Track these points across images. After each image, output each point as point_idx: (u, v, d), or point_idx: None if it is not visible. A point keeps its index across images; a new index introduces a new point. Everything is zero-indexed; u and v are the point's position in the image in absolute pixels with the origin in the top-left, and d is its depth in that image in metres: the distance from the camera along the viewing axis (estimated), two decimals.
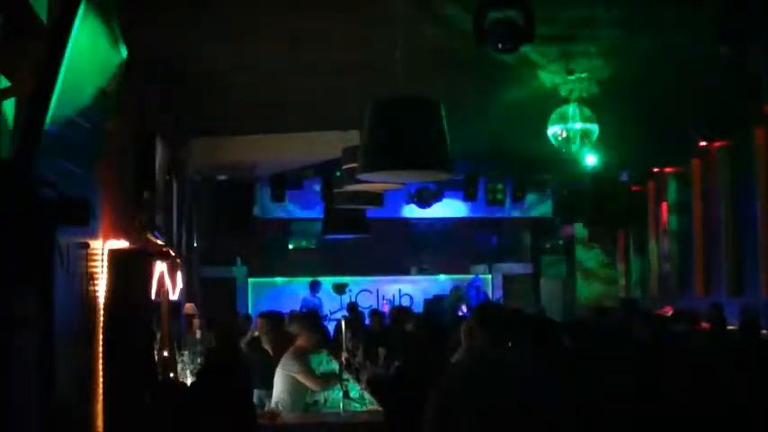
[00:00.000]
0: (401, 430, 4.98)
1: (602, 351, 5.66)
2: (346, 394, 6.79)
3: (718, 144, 11.97)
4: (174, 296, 7.44)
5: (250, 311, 14.85)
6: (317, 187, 14.23)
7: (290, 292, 16.26)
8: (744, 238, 11.38)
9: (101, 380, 4.63)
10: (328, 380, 7.01)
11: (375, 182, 7.17)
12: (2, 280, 2.95)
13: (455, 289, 16.64)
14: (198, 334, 9.09)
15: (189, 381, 7.00)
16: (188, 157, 10.27)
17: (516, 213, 16.68)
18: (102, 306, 4.64)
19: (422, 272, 17.71)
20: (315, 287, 15.97)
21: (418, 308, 15.60)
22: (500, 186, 15.28)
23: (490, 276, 17.76)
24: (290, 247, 17.93)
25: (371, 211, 11.64)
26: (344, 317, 11.03)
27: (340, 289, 16.87)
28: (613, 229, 16.69)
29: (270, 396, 6.95)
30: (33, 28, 3.11)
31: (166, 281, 6.70)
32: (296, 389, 6.78)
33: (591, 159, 11.14)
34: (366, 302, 16.50)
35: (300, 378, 6.76)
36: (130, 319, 4.82)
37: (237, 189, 12.48)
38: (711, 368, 5.38)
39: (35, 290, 3.24)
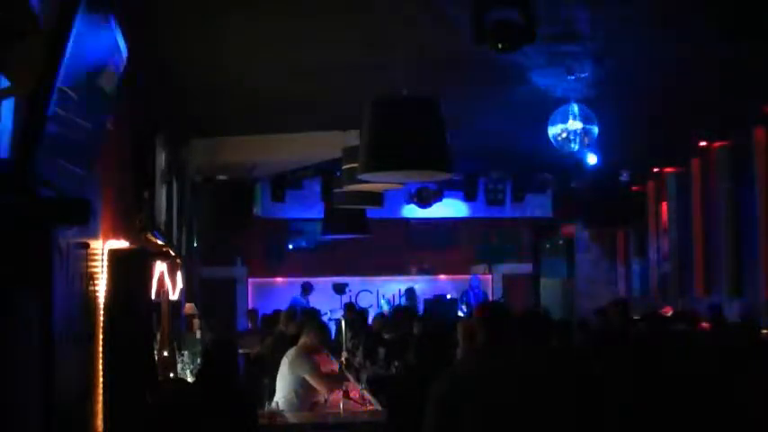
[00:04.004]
0: (403, 430, 4.98)
1: (602, 350, 5.66)
2: (346, 394, 6.81)
3: (718, 144, 11.97)
4: (174, 296, 7.45)
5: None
6: (317, 187, 14.22)
7: (290, 292, 16.26)
8: (744, 238, 11.38)
9: (101, 380, 4.63)
10: (335, 381, 7.04)
11: (375, 182, 7.17)
12: (2, 280, 2.95)
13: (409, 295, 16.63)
14: (198, 334, 9.10)
15: (189, 381, 7.01)
16: (188, 157, 10.27)
17: (516, 213, 16.68)
18: (102, 306, 4.64)
19: (422, 272, 17.70)
20: (307, 289, 15.95)
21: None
22: (500, 186, 15.28)
23: (490, 276, 17.75)
24: (290, 247, 17.92)
25: (371, 211, 11.64)
26: (344, 317, 11.04)
27: (340, 289, 16.87)
28: (613, 229, 16.69)
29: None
30: (33, 28, 3.11)
31: (166, 281, 6.71)
32: (306, 389, 6.80)
33: (591, 159, 11.14)
34: (366, 302, 16.51)
35: (310, 378, 6.77)
36: (130, 319, 4.81)
37: (237, 189, 12.47)
38: (711, 368, 5.38)
39: (35, 290, 3.24)
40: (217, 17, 6.55)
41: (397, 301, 16.65)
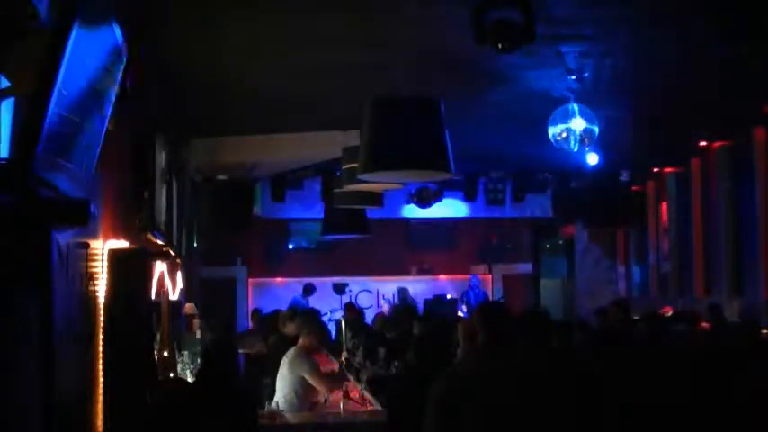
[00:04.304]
0: (403, 430, 4.98)
1: (602, 350, 5.66)
2: (346, 394, 6.80)
3: (718, 144, 11.97)
4: (174, 296, 7.45)
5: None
6: (317, 187, 14.23)
7: (290, 292, 16.26)
8: (744, 238, 11.38)
9: (101, 380, 4.63)
10: (334, 381, 7.03)
11: (375, 182, 7.17)
12: (2, 280, 2.95)
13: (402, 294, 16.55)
14: (198, 334, 9.10)
15: (189, 381, 7.01)
16: (188, 157, 10.27)
17: (516, 213, 16.68)
18: (102, 306, 4.64)
19: (422, 272, 17.70)
20: (308, 290, 15.95)
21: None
22: (500, 186, 15.28)
23: (490, 276, 17.75)
24: (290, 247, 17.93)
25: (371, 211, 11.64)
26: (344, 316, 11.03)
27: (340, 289, 16.88)
28: (613, 229, 16.68)
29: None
30: (33, 28, 3.11)
31: (166, 281, 6.71)
32: (306, 389, 6.79)
33: (591, 159, 11.14)
34: (366, 302, 16.50)
35: (309, 378, 6.76)
36: (130, 319, 4.81)
37: (237, 189, 12.47)
38: (711, 368, 5.38)
39: (35, 290, 3.24)
40: (217, 17, 6.55)
41: (391, 303, 16.57)
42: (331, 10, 6.46)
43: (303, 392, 6.80)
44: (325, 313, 14.78)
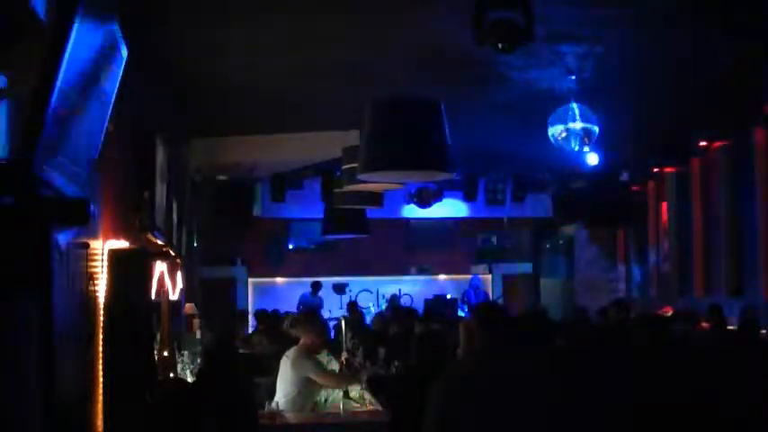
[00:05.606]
0: (404, 430, 4.98)
1: (603, 351, 5.66)
2: (346, 394, 6.80)
3: (718, 144, 11.97)
4: (174, 296, 7.44)
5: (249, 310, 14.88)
6: (317, 187, 14.24)
7: (290, 292, 16.26)
8: (744, 238, 11.38)
9: (101, 380, 4.64)
10: (345, 376, 7.02)
11: (375, 182, 7.18)
12: (2, 280, 2.95)
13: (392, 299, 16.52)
14: (198, 334, 9.10)
15: (189, 381, 7.01)
16: (188, 157, 10.27)
17: (516, 213, 16.68)
18: (102, 306, 4.65)
19: (422, 272, 17.70)
20: (316, 288, 15.97)
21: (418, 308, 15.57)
22: (500, 186, 15.28)
23: (490, 276, 17.76)
24: (290, 247, 17.93)
25: (371, 211, 11.64)
26: (344, 316, 11.03)
27: (340, 289, 16.88)
28: (613, 229, 16.69)
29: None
30: (33, 28, 3.11)
31: (166, 281, 6.70)
32: (308, 389, 6.77)
33: (591, 159, 11.14)
34: (366, 302, 16.51)
35: (316, 377, 6.73)
36: (130, 319, 4.82)
37: (237, 189, 12.48)
38: (711, 368, 5.38)
39: (35, 290, 3.24)
40: (216, 17, 6.55)
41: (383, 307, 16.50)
42: (331, 10, 6.46)
43: (305, 392, 6.78)
44: (329, 318, 14.79)
